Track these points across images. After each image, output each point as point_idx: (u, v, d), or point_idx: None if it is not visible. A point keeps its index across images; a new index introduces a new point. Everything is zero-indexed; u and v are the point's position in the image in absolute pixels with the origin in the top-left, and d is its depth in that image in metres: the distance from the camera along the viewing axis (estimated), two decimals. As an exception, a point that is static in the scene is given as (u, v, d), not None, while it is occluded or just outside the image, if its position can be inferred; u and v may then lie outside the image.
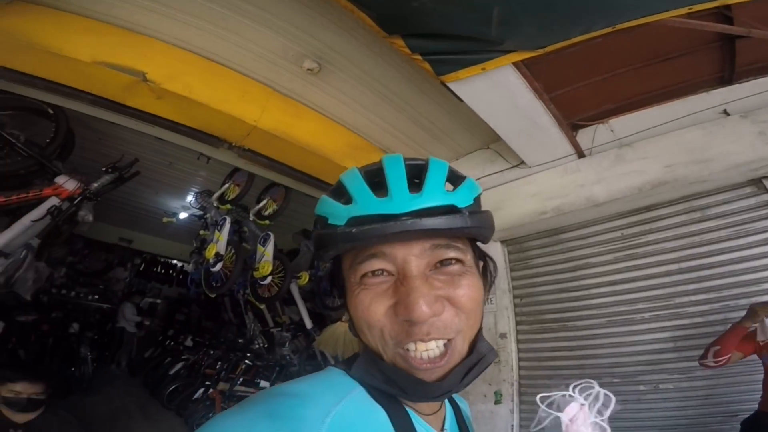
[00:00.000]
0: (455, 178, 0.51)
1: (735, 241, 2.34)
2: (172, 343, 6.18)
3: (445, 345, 0.46)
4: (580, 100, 2.60)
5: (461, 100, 2.27)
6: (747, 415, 1.92)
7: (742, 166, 2.30)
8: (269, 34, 2.14)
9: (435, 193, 0.47)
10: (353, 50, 2.25)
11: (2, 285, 2.61)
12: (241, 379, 4.30)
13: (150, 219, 6.18)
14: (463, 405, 0.68)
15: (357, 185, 0.48)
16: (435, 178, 0.48)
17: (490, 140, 3.14)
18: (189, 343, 5.87)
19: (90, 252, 7.12)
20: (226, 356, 4.92)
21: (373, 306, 0.46)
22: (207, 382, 4.56)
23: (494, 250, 3.10)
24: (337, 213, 0.48)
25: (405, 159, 0.50)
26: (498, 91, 2.17)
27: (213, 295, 4.03)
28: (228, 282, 3.49)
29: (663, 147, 2.54)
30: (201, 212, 4.24)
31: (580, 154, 2.80)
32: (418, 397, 0.47)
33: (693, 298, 2.40)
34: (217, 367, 4.77)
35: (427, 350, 0.45)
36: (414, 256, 0.46)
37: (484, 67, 1.94)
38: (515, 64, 1.99)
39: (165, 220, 4.35)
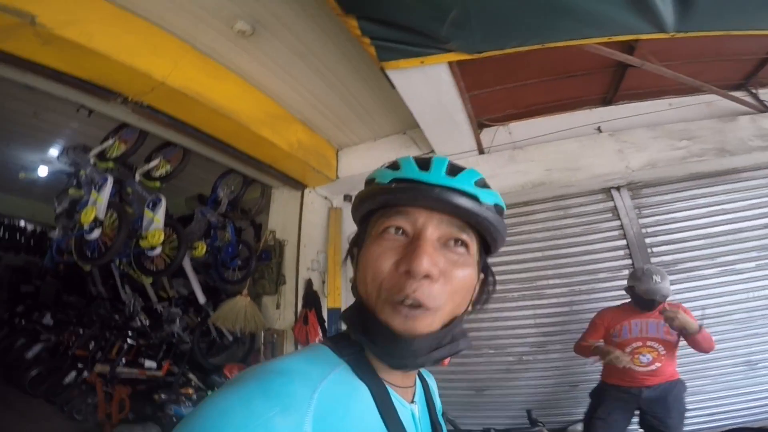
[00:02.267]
0: (485, 184, 0.60)
1: (584, 237, 3.14)
2: (23, 322, 5.48)
3: (423, 310, 0.53)
4: (492, 102, 3.09)
5: (393, 87, 2.52)
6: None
7: (600, 177, 3.05)
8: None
9: (466, 183, 0.57)
10: (296, 19, 2.31)
11: None
12: (123, 360, 4.15)
13: (-6, 172, 5.30)
14: (431, 381, 0.80)
15: (406, 161, 0.61)
16: (469, 174, 0.59)
17: (407, 127, 3.50)
18: (48, 321, 5.31)
19: None
20: (101, 335, 4.59)
21: (381, 257, 0.55)
22: (79, 365, 4.27)
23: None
24: (384, 175, 0.60)
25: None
26: (428, 84, 2.48)
27: (87, 268, 3.74)
28: (108, 252, 3.17)
29: (546, 153, 3.19)
30: (71, 169, 3.86)
31: (481, 151, 3.36)
32: (393, 355, 0.54)
33: (551, 281, 3.16)
34: (90, 347, 4.47)
35: (410, 306, 0.52)
36: (431, 224, 0.56)
37: (423, 61, 2.22)
38: (450, 63, 2.30)
39: (22, 174, 3.85)
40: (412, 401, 0.64)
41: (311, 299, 3.62)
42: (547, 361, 3.10)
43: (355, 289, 0.62)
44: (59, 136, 4.26)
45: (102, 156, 3.61)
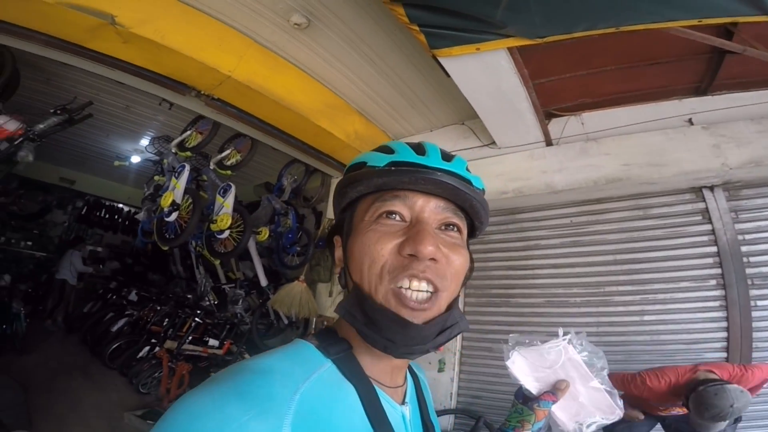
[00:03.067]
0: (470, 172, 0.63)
1: (666, 241, 2.82)
2: (114, 297, 6.10)
3: (431, 293, 0.54)
4: (560, 90, 2.90)
5: (448, 75, 2.47)
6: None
7: (689, 174, 2.72)
8: (261, -17, 2.26)
9: (460, 168, 0.59)
10: (347, 10, 2.40)
11: None
12: (189, 338, 4.44)
13: (97, 160, 6.17)
14: (421, 374, 0.78)
15: (400, 145, 0.61)
16: (461, 161, 0.61)
17: (465, 117, 3.44)
18: (133, 297, 5.85)
19: (25, 192, 6.74)
20: (174, 313, 5.02)
21: (381, 242, 0.55)
22: (153, 340, 4.66)
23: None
24: (377, 159, 0.60)
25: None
26: (486, 72, 2.39)
27: (165, 248, 4.18)
28: (183, 234, 3.54)
29: (625, 146, 2.92)
30: (157, 157, 4.35)
31: (548, 143, 3.16)
32: (396, 341, 0.52)
33: (621, 288, 2.88)
34: (164, 324, 4.87)
35: (419, 291, 0.53)
36: (428, 208, 0.57)
37: (479, 48, 2.12)
38: (509, 49, 2.18)
39: (116, 162, 4.44)
40: (403, 402, 0.63)
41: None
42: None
43: (343, 279, 0.62)
44: (148, 127, 4.85)
45: (182, 146, 4.03)
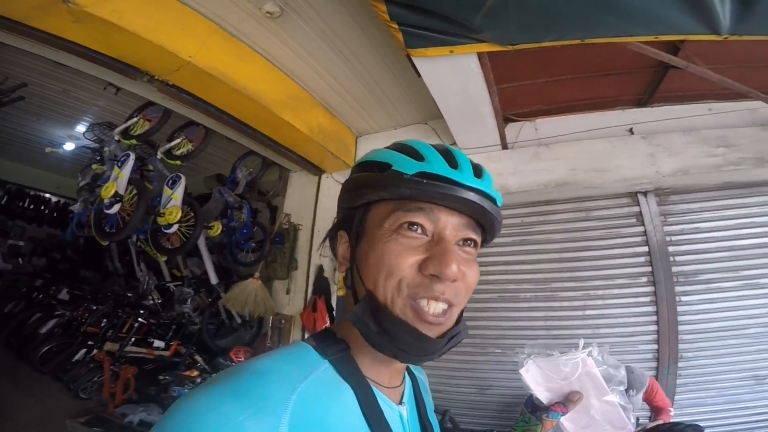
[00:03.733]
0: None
1: (605, 241, 3.10)
2: (41, 296, 5.59)
3: (445, 309, 0.55)
4: (519, 96, 3.05)
5: (419, 75, 2.52)
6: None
7: (627, 180, 3.01)
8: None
9: (490, 185, 0.59)
10: (324, 2, 2.37)
11: None
12: (132, 339, 4.26)
13: (23, 146, 5.61)
14: (422, 376, 0.79)
15: (429, 151, 0.59)
16: (489, 176, 0.61)
17: (429, 117, 3.54)
18: (64, 296, 5.44)
19: None
20: (113, 313, 4.74)
21: (403, 255, 0.54)
22: (89, 342, 4.40)
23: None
24: (406, 163, 0.57)
25: None
26: (456, 74, 2.46)
27: (104, 243, 3.89)
28: (126, 228, 3.28)
29: (573, 152, 3.17)
30: (96, 145, 4.03)
31: (504, 146, 3.35)
32: (409, 351, 0.54)
33: (565, 284, 3.14)
34: (102, 325, 4.61)
35: (436, 308, 0.54)
36: (452, 225, 0.57)
37: (453, 50, 2.18)
38: (480, 54, 2.26)
39: (48, 149, 4.07)
40: (401, 402, 0.64)
41: (321, 286, 3.70)
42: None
43: (350, 280, 0.61)
44: (86, 113, 4.49)
45: (126, 133, 3.77)
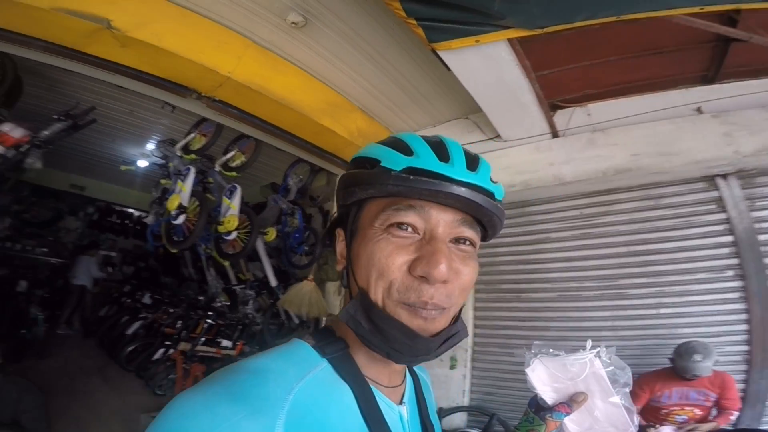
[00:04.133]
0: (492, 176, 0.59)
1: (680, 231, 2.77)
2: (128, 301, 6.22)
3: (440, 310, 0.53)
4: (565, 81, 2.85)
5: (448, 69, 2.45)
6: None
7: (701, 163, 2.68)
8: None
9: (485, 178, 0.55)
10: (343, 7, 2.40)
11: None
12: (203, 339, 4.52)
13: (105, 166, 6.28)
14: (424, 375, 0.77)
15: (419, 144, 0.55)
16: (486, 167, 0.57)
17: (469, 111, 3.40)
18: (147, 300, 5.97)
19: (37, 200, 6.91)
20: (186, 315, 5.11)
21: (393, 256, 0.52)
22: (167, 342, 4.72)
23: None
24: (394, 159, 0.54)
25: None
26: (487, 64, 2.37)
27: (174, 251, 4.25)
28: (191, 236, 3.58)
29: (633, 136, 2.88)
30: (163, 161, 4.41)
31: (555, 134, 3.12)
32: (402, 351, 0.52)
33: (635, 281, 2.85)
34: (178, 326, 4.95)
35: (425, 311, 0.52)
36: (445, 222, 0.54)
37: (478, 40, 2.10)
38: (509, 40, 2.15)
39: (123, 167, 4.51)
40: (401, 402, 0.62)
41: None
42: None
43: (346, 279, 0.59)
44: (152, 131, 4.92)
45: (186, 149, 4.07)
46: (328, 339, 0.57)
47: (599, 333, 2.88)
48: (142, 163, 5.19)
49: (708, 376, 2.28)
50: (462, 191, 0.52)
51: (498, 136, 3.23)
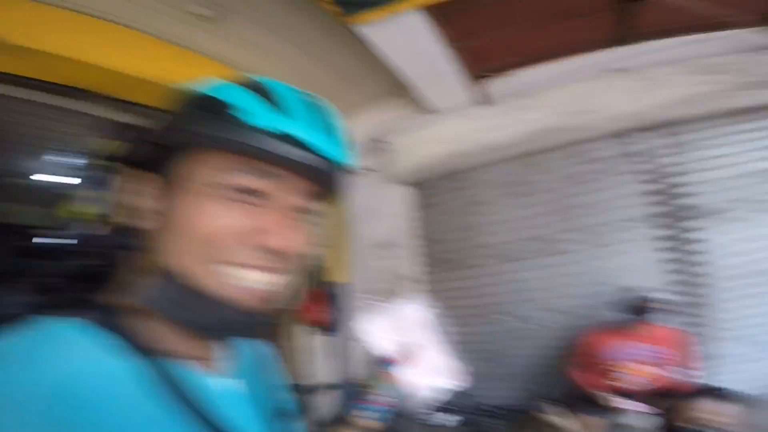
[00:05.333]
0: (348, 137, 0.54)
1: (603, 183, 2.95)
2: None
3: (267, 281, 0.48)
4: (489, 51, 2.93)
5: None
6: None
7: (618, 118, 2.89)
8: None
9: (343, 147, 0.51)
10: None
11: None
12: None
13: None
14: (262, 347, 0.68)
15: (296, 103, 0.50)
16: (339, 131, 0.52)
17: (398, 85, 3.42)
18: None
19: None
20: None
21: (224, 220, 0.45)
22: None
23: (401, 193, 3.48)
24: (260, 113, 0.46)
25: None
26: (406, 36, 2.36)
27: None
28: None
29: (557, 98, 3.06)
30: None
31: (482, 102, 3.22)
32: (218, 327, 0.48)
33: (569, 236, 2.99)
34: None
35: (254, 281, 0.47)
36: (287, 190, 0.49)
37: (393, 10, 2.07)
38: (428, 9, 2.16)
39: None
40: (220, 374, 0.54)
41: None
42: (552, 326, 2.94)
43: (149, 243, 0.48)
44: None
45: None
46: (103, 310, 0.47)
47: (544, 294, 2.99)
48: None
49: (661, 332, 2.28)
50: (314, 162, 0.47)
51: (427, 108, 3.27)
